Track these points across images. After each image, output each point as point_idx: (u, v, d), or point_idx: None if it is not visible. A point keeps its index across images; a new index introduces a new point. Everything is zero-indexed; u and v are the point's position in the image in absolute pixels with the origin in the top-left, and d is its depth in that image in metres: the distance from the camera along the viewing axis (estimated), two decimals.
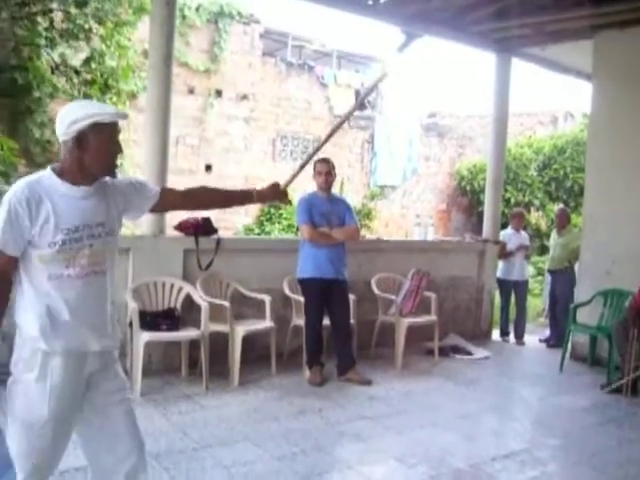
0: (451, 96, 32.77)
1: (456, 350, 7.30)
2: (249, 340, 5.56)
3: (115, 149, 2.43)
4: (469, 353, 7.27)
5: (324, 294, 5.72)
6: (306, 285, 5.79)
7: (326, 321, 5.87)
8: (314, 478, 3.82)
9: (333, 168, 5.86)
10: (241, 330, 5.51)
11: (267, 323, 5.76)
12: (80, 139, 2.33)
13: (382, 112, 16.82)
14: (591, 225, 7.15)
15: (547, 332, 8.52)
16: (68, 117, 2.34)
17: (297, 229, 6.34)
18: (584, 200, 7.49)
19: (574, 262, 8.06)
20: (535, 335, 8.74)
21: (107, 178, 2.50)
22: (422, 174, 16.94)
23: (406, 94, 26.60)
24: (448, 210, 17.42)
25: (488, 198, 8.49)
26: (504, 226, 8.84)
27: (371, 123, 16.03)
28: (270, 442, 4.25)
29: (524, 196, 15.48)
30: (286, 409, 4.96)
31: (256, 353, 5.80)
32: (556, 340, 7.88)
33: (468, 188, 16.86)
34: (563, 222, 8.36)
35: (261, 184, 12.13)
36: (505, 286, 8.38)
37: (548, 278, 8.98)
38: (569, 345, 6.91)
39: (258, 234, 13.34)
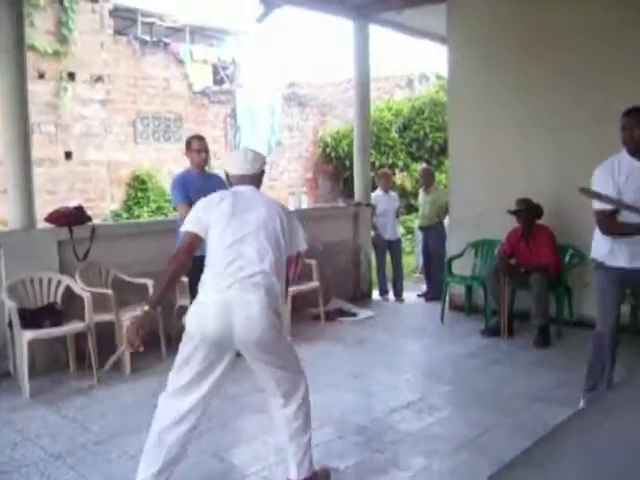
0: (308, 65, 32.89)
1: (341, 313, 7.48)
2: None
3: None
4: (354, 315, 7.48)
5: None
6: (194, 263, 5.70)
7: None
8: (222, 454, 3.84)
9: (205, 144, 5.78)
10: (127, 317, 5.37)
11: None
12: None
13: (241, 85, 16.70)
14: (457, 181, 7.50)
15: (424, 287, 8.88)
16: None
17: (174, 209, 6.22)
18: (449, 158, 7.85)
19: (443, 218, 8.43)
20: (412, 291, 9.08)
21: None
22: (286, 145, 17.01)
23: (264, 65, 26.54)
24: (315, 178, 17.63)
25: (357, 162, 8.67)
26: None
27: (232, 97, 15.88)
28: None
29: (387, 158, 15.88)
30: None
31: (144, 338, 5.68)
32: (433, 293, 8.24)
33: (333, 155, 17.11)
34: (428, 181, 8.70)
35: (125, 167, 11.80)
36: (380, 246, 8.63)
37: (420, 235, 9.33)
38: (447, 297, 7.24)
39: (127, 219, 12.98)
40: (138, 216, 13.01)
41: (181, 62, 14.94)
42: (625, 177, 4.02)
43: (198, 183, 5.66)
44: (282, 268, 3.22)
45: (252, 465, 3.60)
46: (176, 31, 17.15)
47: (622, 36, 6.05)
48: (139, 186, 13.63)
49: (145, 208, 13.35)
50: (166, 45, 14.87)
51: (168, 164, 14.02)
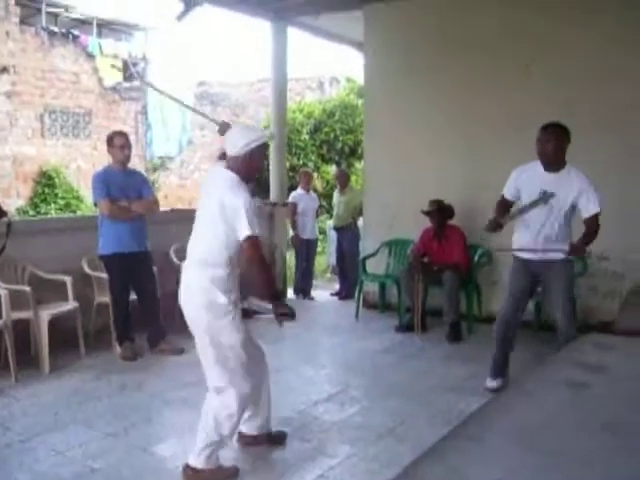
0: (221, 64, 32.76)
1: (258, 311, 7.56)
2: (53, 324, 5.37)
3: None
4: (271, 312, 7.57)
5: (128, 269, 5.67)
6: (109, 261, 5.68)
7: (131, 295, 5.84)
8: (152, 448, 3.87)
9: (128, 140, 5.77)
10: (46, 314, 5.31)
11: (71, 304, 5.60)
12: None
13: (152, 82, 16.47)
14: (372, 183, 7.71)
15: (336, 286, 9.08)
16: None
17: (94, 205, 6.13)
18: (364, 161, 8.07)
19: (357, 218, 8.66)
20: (325, 290, 9.28)
21: None
22: (198, 143, 16.93)
23: (175, 62, 26.23)
24: None
25: (273, 163, 8.76)
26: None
27: (143, 94, 15.67)
28: (99, 421, 4.23)
29: (299, 159, 16.03)
30: (106, 388, 4.91)
31: (61, 337, 5.60)
32: (347, 292, 8.45)
33: None
34: (344, 182, 8.91)
35: (31, 163, 11.45)
36: (300, 245, 8.76)
37: (334, 235, 9.52)
38: (361, 295, 7.45)
39: (33, 216, 12.60)
40: (45, 213, 12.67)
41: (91, 56, 14.61)
42: (527, 184, 4.57)
43: (120, 179, 5.65)
44: (221, 255, 3.31)
45: (184, 458, 3.63)
46: (82, 23, 16.74)
47: (537, 40, 6.39)
48: (46, 182, 13.26)
49: (53, 205, 13.01)
50: (75, 37, 14.51)
51: (77, 160, 13.73)
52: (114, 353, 5.71)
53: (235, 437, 3.68)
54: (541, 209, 4.48)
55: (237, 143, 3.32)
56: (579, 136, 4.69)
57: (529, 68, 6.44)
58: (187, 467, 3.41)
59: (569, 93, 6.18)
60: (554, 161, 4.49)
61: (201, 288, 3.31)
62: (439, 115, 7.06)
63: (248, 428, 3.79)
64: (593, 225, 4.47)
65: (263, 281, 3.42)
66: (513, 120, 6.40)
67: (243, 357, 3.38)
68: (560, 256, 4.54)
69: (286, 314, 3.41)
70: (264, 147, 3.43)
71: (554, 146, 4.43)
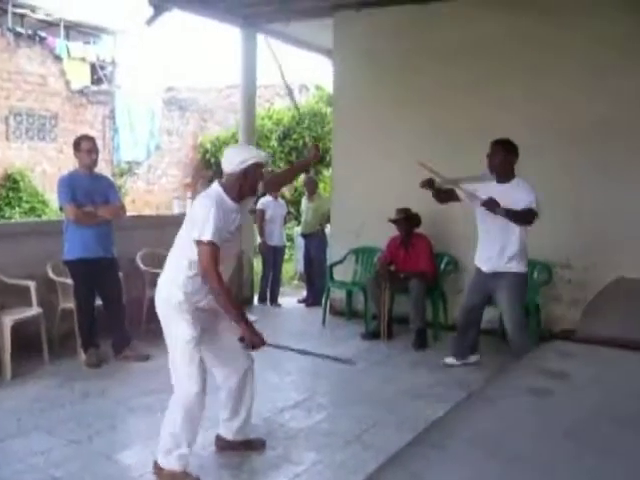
0: (190, 68, 32.49)
1: None
2: (16, 329, 5.29)
3: None
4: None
5: (94, 274, 5.62)
6: (74, 266, 5.61)
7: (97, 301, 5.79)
8: (116, 456, 3.84)
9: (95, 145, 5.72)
10: (9, 320, 5.23)
11: (35, 310, 5.53)
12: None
13: (120, 87, 16.37)
14: (340, 191, 7.73)
15: (304, 293, 9.08)
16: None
17: (60, 210, 6.05)
18: (332, 169, 8.08)
19: (325, 225, 8.68)
20: (292, 297, 9.27)
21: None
22: (166, 149, 16.84)
23: (144, 67, 26.06)
24: (194, 183, 17.55)
25: None
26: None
27: (111, 98, 15.53)
28: (62, 428, 4.18)
29: (267, 166, 16.03)
30: (69, 395, 4.85)
31: (24, 342, 5.52)
32: (314, 299, 8.45)
33: (212, 160, 17.08)
34: (312, 189, 8.93)
35: None
36: (267, 252, 8.75)
37: (302, 242, 9.53)
38: (328, 302, 7.47)
39: None
40: (9, 217, 12.47)
41: (58, 58, 14.45)
42: (481, 193, 4.84)
43: (87, 184, 5.60)
44: (183, 258, 3.40)
45: (148, 465, 3.61)
46: (49, 25, 16.56)
47: (510, 49, 6.45)
48: (11, 185, 13.06)
49: (17, 209, 12.81)
50: (42, 39, 14.34)
51: (42, 164, 13.56)
52: (78, 359, 5.64)
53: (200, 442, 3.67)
54: (495, 222, 4.79)
55: (233, 160, 3.40)
56: (553, 148, 4.83)
57: (501, 76, 6.51)
58: (155, 463, 3.48)
59: (542, 105, 6.26)
60: (501, 173, 4.88)
61: (164, 282, 3.48)
62: (407, 124, 7.09)
63: (224, 431, 3.82)
64: (526, 212, 4.74)
65: (217, 299, 3.35)
66: (481, 129, 6.43)
67: (192, 356, 3.38)
68: (510, 268, 4.92)
69: (256, 345, 3.42)
70: (259, 166, 3.43)
71: (500, 160, 4.85)
